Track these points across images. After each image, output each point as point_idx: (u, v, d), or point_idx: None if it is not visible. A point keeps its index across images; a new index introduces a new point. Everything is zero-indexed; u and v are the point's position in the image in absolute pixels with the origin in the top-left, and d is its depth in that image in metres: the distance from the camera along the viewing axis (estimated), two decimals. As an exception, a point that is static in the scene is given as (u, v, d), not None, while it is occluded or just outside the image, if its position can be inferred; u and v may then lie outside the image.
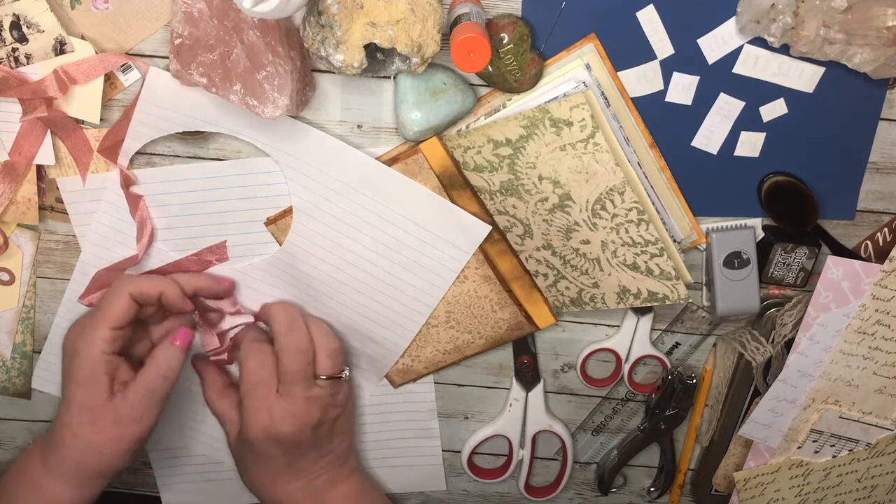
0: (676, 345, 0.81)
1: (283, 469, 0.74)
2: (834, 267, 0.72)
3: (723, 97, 0.70)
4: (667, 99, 0.70)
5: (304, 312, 0.76)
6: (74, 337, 0.71)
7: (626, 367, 0.81)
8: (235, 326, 0.78)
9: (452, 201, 0.72)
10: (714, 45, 0.68)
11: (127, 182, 0.73)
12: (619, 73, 0.69)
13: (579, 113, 0.67)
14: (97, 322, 0.70)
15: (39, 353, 0.82)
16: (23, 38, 0.67)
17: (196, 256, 0.76)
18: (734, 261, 0.74)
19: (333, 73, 0.68)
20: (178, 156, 0.73)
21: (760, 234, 0.75)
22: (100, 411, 0.69)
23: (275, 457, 0.74)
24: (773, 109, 0.70)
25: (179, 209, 0.74)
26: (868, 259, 0.75)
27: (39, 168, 0.73)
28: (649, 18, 0.67)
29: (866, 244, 0.76)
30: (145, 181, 0.73)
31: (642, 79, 0.69)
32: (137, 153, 0.72)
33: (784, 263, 0.75)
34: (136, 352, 0.75)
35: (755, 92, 0.70)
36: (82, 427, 0.70)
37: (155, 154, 0.73)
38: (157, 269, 0.76)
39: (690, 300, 0.75)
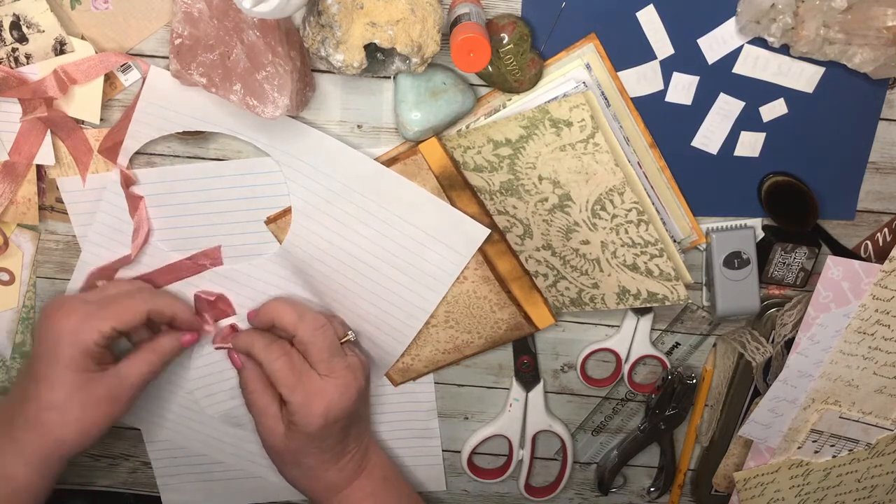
0: (676, 345, 0.81)
1: (336, 450, 0.76)
2: (834, 267, 0.72)
3: (723, 97, 0.70)
4: (667, 99, 0.70)
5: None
6: (63, 317, 0.69)
7: (626, 368, 0.81)
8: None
9: (452, 202, 0.72)
10: (714, 45, 0.68)
11: (127, 182, 0.73)
12: (619, 73, 0.69)
13: (579, 113, 0.67)
14: (103, 316, 0.70)
15: (39, 353, 0.82)
16: (23, 38, 0.67)
17: (190, 260, 0.76)
18: (734, 261, 0.74)
19: (333, 73, 0.68)
20: (178, 156, 0.73)
21: (760, 234, 0.75)
22: (92, 391, 0.70)
23: (331, 438, 0.74)
24: (773, 109, 0.70)
25: (179, 209, 0.74)
26: (868, 259, 0.75)
27: (39, 168, 0.73)
28: (649, 18, 0.67)
29: (866, 244, 0.76)
30: (145, 181, 0.73)
31: (642, 79, 0.69)
32: (137, 153, 0.72)
33: (784, 263, 0.75)
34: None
35: (755, 92, 0.70)
36: (72, 408, 0.69)
37: (155, 154, 0.73)
38: (142, 276, 0.76)
39: (690, 300, 0.75)
